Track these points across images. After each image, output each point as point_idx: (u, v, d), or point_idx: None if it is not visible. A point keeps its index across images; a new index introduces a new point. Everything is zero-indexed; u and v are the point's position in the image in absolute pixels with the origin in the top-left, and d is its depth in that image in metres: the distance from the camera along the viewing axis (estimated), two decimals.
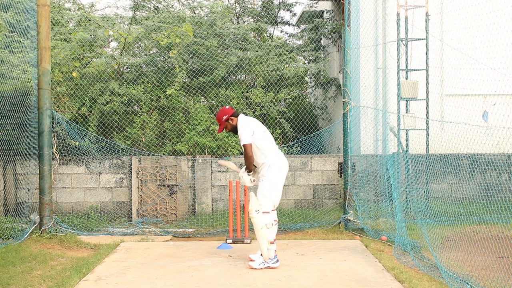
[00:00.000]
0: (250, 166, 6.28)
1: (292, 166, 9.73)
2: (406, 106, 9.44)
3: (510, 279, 5.40)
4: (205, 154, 10.12)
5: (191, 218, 9.50)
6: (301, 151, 10.19)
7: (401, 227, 7.18)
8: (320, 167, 9.86)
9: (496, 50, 6.62)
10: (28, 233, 8.00)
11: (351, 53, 8.68)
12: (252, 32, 12.16)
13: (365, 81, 10.24)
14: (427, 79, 9.34)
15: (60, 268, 6.32)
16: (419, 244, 6.94)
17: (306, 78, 13.67)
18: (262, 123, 10.62)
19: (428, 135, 9.30)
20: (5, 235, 7.72)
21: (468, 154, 8.64)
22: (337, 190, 9.83)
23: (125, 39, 10.37)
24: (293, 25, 14.11)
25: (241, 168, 6.43)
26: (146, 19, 10.97)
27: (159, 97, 10.34)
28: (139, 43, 11.01)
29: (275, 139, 10.81)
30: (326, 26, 13.15)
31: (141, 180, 9.59)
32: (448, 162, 8.58)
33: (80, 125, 9.77)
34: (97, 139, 9.71)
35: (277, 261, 6.21)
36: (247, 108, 10.69)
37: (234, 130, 6.42)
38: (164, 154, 9.91)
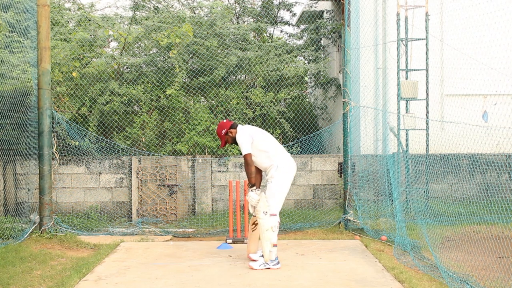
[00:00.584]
0: (250, 178, 6.20)
1: None
2: (406, 106, 9.44)
3: (510, 279, 5.40)
4: (205, 154, 10.12)
5: (191, 218, 9.50)
6: (301, 151, 10.19)
7: (401, 227, 7.18)
8: (320, 167, 9.86)
9: (496, 50, 6.63)
10: (28, 233, 8.00)
11: (351, 53, 8.68)
12: (252, 32, 12.16)
13: (365, 81, 10.24)
14: (427, 79, 9.34)
15: (60, 268, 6.31)
16: (419, 244, 6.94)
17: (306, 78, 13.67)
18: (262, 123, 10.69)
19: (428, 135, 9.30)
20: (5, 235, 7.72)
21: (468, 154, 8.64)
22: (337, 190, 9.83)
23: (125, 39, 10.37)
24: (293, 25, 14.12)
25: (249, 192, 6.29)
26: (146, 19, 10.97)
27: (159, 97, 10.34)
28: (139, 43, 11.01)
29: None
30: (326, 26, 13.15)
31: (141, 180, 9.58)
32: (448, 162, 8.58)
33: (80, 125, 9.77)
34: (97, 139, 9.71)
35: (278, 263, 6.20)
36: (247, 108, 10.69)
37: (235, 141, 6.42)
38: (164, 154, 9.91)
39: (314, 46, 12.62)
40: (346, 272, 6.01)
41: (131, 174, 9.62)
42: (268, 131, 10.55)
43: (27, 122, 8.52)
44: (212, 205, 9.73)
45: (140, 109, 10.47)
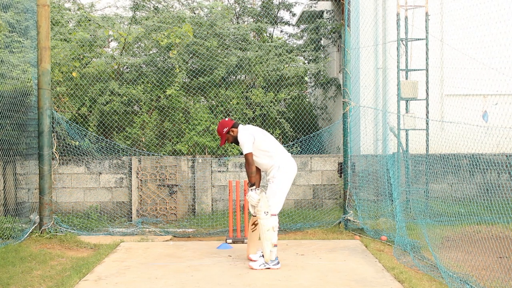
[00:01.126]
0: (251, 178, 6.20)
1: None
2: (406, 106, 9.43)
3: (511, 279, 5.40)
4: (205, 154, 10.12)
5: (191, 218, 9.50)
6: (301, 151, 10.19)
7: (401, 227, 7.18)
8: (320, 167, 9.86)
9: (496, 50, 6.63)
10: (28, 233, 8.00)
11: (351, 53, 8.68)
12: (252, 32, 12.16)
13: (365, 81, 10.24)
14: (427, 79, 9.34)
15: (60, 268, 6.31)
16: (419, 244, 6.94)
17: (306, 78, 13.67)
18: (262, 123, 10.69)
19: (428, 135, 9.30)
20: (5, 235, 7.72)
21: (468, 154, 8.64)
22: (337, 190, 9.83)
23: (125, 39, 10.36)
24: (293, 25, 14.12)
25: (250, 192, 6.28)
26: (146, 19, 10.97)
27: (159, 97, 10.34)
28: (139, 43, 11.01)
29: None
30: (326, 26, 13.15)
31: (141, 180, 9.58)
32: (448, 162, 8.58)
33: (80, 125, 9.77)
34: (97, 139, 9.70)
35: (278, 263, 6.20)
36: (247, 108, 10.69)
37: (236, 141, 6.39)
38: (164, 154, 9.91)
39: (314, 46, 12.62)
40: (346, 272, 6.01)
41: (131, 174, 9.62)
42: (268, 131, 10.55)
43: (27, 122, 8.52)
44: (212, 205, 9.73)
45: (140, 109, 10.47)
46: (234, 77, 11.10)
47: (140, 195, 9.57)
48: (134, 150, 9.77)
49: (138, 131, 10.16)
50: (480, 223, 7.85)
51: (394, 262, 6.42)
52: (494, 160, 9.55)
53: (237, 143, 6.42)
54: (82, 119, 10.21)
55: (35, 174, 8.66)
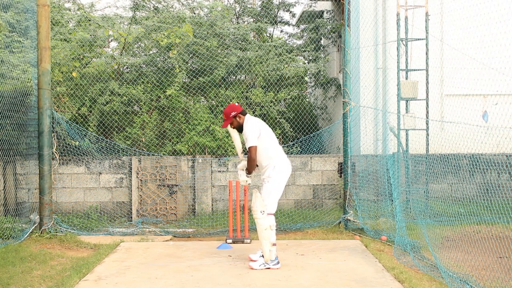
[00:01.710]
0: (251, 169, 6.23)
1: (292, 166, 9.66)
2: (406, 106, 9.44)
3: (511, 279, 5.40)
4: (205, 154, 10.12)
5: (191, 218, 9.50)
6: (301, 151, 10.19)
7: (401, 227, 7.18)
8: (320, 167, 9.86)
9: (496, 50, 6.63)
10: (28, 233, 8.00)
11: (351, 53, 8.68)
12: (252, 32, 12.16)
13: (365, 81, 10.24)
14: (427, 79, 9.34)
15: (60, 268, 6.31)
16: (419, 244, 6.94)
17: (306, 78, 13.67)
18: None
19: (428, 135, 9.30)
20: (5, 235, 7.72)
21: (468, 154, 8.64)
22: (337, 190, 9.83)
23: (125, 39, 10.36)
24: (292, 25, 14.12)
25: (241, 163, 6.37)
26: (146, 19, 10.97)
27: (159, 97, 10.34)
28: (139, 43, 11.01)
29: None
30: (326, 26, 13.15)
31: (141, 180, 9.58)
32: (448, 162, 8.58)
33: (80, 125, 9.77)
34: (97, 139, 9.71)
35: (278, 263, 6.21)
36: (247, 108, 10.69)
37: (239, 128, 6.34)
38: (164, 154, 9.91)
39: (314, 46, 12.62)
40: (346, 272, 6.01)
41: (131, 174, 9.62)
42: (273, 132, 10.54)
43: (27, 122, 8.53)
44: (212, 205, 9.73)
45: (140, 109, 10.47)
46: (234, 77, 11.10)
47: (140, 195, 9.57)
48: (134, 150, 9.77)
49: (138, 131, 10.16)
50: (480, 223, 7.85)
51: (394, 262, 6.43)
52: (494, 160, 9.55)
53: (239, 130, 6.35)
54: (82, 119, 10.21)
55: (35, 174, 8.66)
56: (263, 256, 6.20)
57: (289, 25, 13.86)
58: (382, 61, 10.67)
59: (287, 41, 13.55)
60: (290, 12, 13.66)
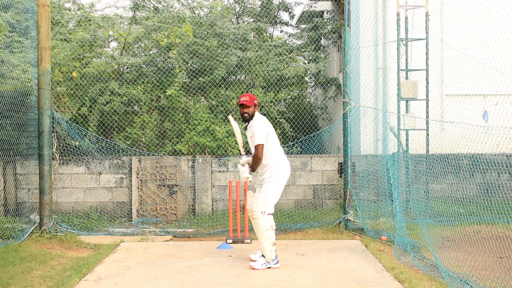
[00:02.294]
0: (256, 166, 6.22)
1: (292, 166, 9.72)
2: (406, 106, 9.44)
3: (511, 279, 5.40)
4: (205, 154, 10.12)
5: (191, 218, 9.50)
6: (301, 151, 10.19)
7: (401, 227, 7.18)
8: (320, 167, 9.86)
9: (496, 50, 6.62)
10: (28, 233, 8.00)
11: (351, 53, 8.68)
12: (252, 32, 12.15)
13: (365, 81, 10.24)
14: (427, 79, 9.34)
15: (60, 268, 6.31)
16: (419, 244, 6.94)
17: (306, 78, 13.67)
18: None
19: (428, 135, 9.30)
20: (5, 235, 7.72)
21: (468, 154, 8.64)
22: (337, 190, 9.83)
23: (125, 39, 10.36)
24: (292, 25, 14.11)
25: (243, 158, 6.30)
26: (146, 19, 10.97)
27: (159, 97, 10.34)
28: (139, 43, 11.01)
29: None
30: (326, 26, 13.15)
31: (141, 180, 9.58)
32: (448, 162, 8.58)
33: (80, 125, 9.77)
34: (97, 139, 9.71)
35: (278, 262, 6.23)
36: None
37: (248, 119, 6.24)
38: (164, 154, 9.91)
39: (314, 46, 12.62)
40: (346, 272, 6.01)
41: (131, 174, 9.62)
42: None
43: (27, 122, 8.53)
44: (212, 205, 9.73)
45: (140, 109, 10.47)
46: (234, 77, 11.10)
47: (140, 195, 9.57)
48: (134, 150, 9.77)
49: (138, 131, 10.16)
50: (480, 223, 7.85)
51: (394, 262, 6.43)
52: (494, 160, 9.55)
53: (246, 120, 6.26)
54: (82, 119, 10.21)
55: (35, 174, 8.66)
56: (263, 256, 6.21)
57: (288, 25, 13.86)
58: (382, 61, 10.67)
59: (287, 41, 13.55)
60: (290, 12, 13.66)
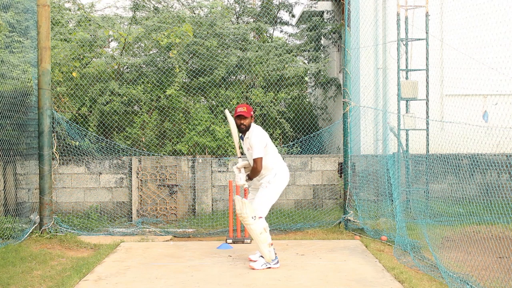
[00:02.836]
0: (253, 177, 6.22)
1: (292, 166, 9.73)
2: (406, 106, 9.44)
3: (510, 279, 5.40)
4: (205, 154, 10.12)
5: (191, 218, 9.50)
6: (301, 151, 10.19)
7: (401, 227, 7.18)
8: (320, 167, 9.86)
9: (496, 50, 6.63)
10: (28, 233, 8.00)
11: (351, 53, 8.68)
12: (252, 32, 12.15)
13: (365, 81, 10.24)
14: (427, 79, 9.34)
15: (60, 268, 6.32)
16: (419, 244, 6.94)
17: (306, 78, 13.67)
18: (262, 123, 10.69)
19: (428, 135, 9.30)
20: (5, 235, 7.72)
21: (468, 154, 8.64)
22: (337, 190, 9.83)
23: (125, 39, 10.36)
24: (292, 25, 14.12)
25: (239, 161, 6.27)
26: (146, 19, 10.97)
27: (159, 97, 10.34)
28: (139, 43, 11.01)
29: (275, 140, 10.82)
30: (326, 26, 13.15)
31: (141, 180, 9.58)
32: (448, 162, 8.58)
33: (80, 125, 9.77)
34: (97, 139, 9.71)
35: (278, 262, 6.22)
36: None
37: (245, 130, 6.23)
38: (164, 154, 9.91)
39: (314, 46, 12.62)
40: (346, 272, 6.01)
41: (131, 174, 9.62)
42: (268, 131, 10.57)
43: (27, 122, 8.53)
44: (212, 205, 9.73)
45: (140, 109, 10.47)
46: (234, 77, 11.10)
47: (140, 195, 9.57)
48: (134, 150, 9.77)
49: (138, 131, 10.16)
50: (480, 223, 7.85)
51: (394, 262, 6.43)
52: (494, 160, 9.55)
53: (242, 131, 6.24)
54: (82, 119, 10.21)
55: (35, 174, 8.66)
56: (262, 256, 6.21)
57: (288, 25, 13.86)
58: (382, 61, 10.67)
59: (287, 41, 13.55)
60: (290, 13, 13.66)
